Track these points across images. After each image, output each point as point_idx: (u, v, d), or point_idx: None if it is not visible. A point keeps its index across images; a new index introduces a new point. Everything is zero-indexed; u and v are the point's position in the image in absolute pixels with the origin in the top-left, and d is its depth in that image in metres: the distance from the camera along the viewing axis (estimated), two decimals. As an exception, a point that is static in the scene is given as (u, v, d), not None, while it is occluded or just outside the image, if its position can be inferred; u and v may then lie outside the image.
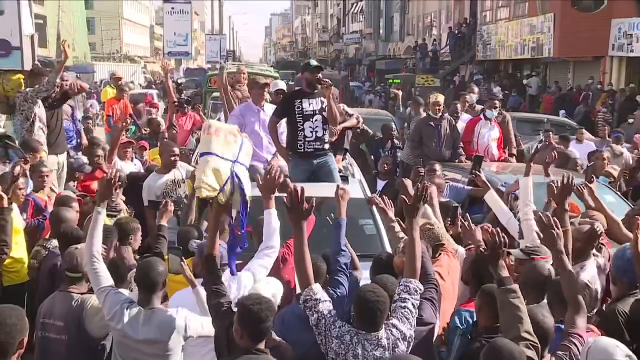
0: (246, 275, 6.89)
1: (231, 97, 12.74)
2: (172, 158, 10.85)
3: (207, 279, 6.41)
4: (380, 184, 13.89)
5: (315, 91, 10.74)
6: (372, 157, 16.27)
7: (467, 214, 11.39)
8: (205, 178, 6.50)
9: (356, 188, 10.16)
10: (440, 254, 7.91)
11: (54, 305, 7.04)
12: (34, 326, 6.83)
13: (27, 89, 12.59)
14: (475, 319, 6.69)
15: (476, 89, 20.33)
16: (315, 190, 8.35)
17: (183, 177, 10.87)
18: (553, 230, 6.24)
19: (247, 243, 6.99)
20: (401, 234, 7.65)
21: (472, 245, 8.10)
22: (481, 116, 15.38)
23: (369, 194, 10.65)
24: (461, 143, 15.05)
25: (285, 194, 6.44)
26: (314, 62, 11.42)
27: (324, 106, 10.69)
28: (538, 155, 11.88)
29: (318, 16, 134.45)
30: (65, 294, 7.06)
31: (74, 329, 6.88)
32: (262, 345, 5.57)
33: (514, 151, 15.60)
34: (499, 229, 6.44)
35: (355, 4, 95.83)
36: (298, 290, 6.59)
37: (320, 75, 10.76)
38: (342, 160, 12.25)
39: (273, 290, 6.41)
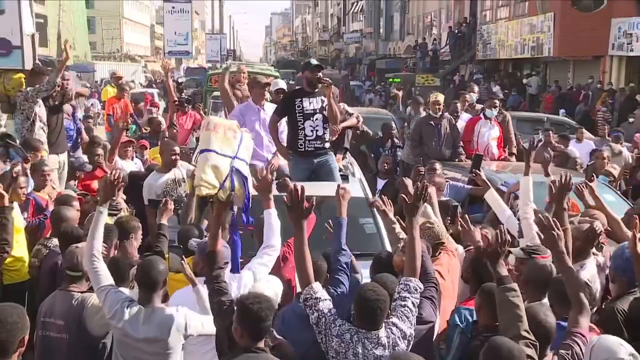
0: (247, 274, 6.92)
1: (231, 97, 12.74)
2: (173, 157, 10.87)
3: (209, 277, 6.40)
4: (380, 183, 13.89)
5: (316, 90, 10.75)
6: (373, 156, 16.26)
7: (467, 214, 11.50)
8: (204, 176, 6.50)
9: (356, 187, 10.17)
10: (440, 252, 7.92)
11: (55, 304, 7.05)
12: (35, 325, 6.83)
13: (28, 89, 12.61)
14: (474, 317, 6.71)
15: (476, 88, 20.35)
16: (315, 189, 8.37)
17: (184, 176, 10.88)
18: (553, 232, 6.25)
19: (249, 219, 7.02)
20: (402, 235, 7.65)
21: (472, 247, 8.11)
22: (481, 115, 15.39)
23: (369, 193, 10.68)
24: (461, 142, 15.06)
25: (285, 193, 6.45)
26: (314, 61, 11.44)
27: (324, 105, 10.71)
28: (537, 154, 11.88)
29: (318, 15, 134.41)
30: (65, 292, 7.07)
31: (75, 328, 6.88)
32: (261, 344, 5.57)
33: (514, 150, 15.60)
34: (502, 227, 6.45)
35: (355, 4, 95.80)
36: (298, 289, 6.59)
37: (320, 74, 10.77)
38: (342, 159, 12.27)
39: (274, 290, 6.42)
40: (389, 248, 8.43)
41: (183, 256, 7.45)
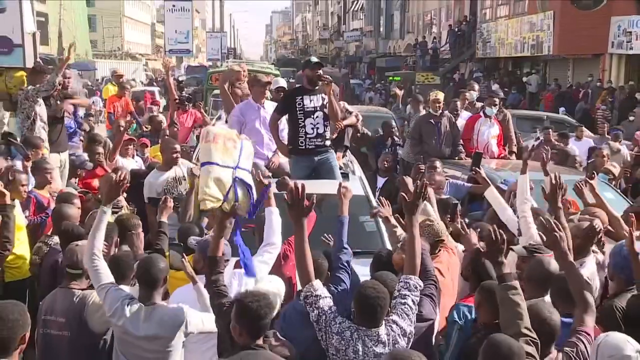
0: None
1: (230, 98, 12.75)
2: (174, 155, 10.86)
3: (209, 280, 6.43)
4: (381, 181, 13.91)
5: (316, 88, 10.76)
6: (373, 153, 16.25)
7: (467, 212, 11.51)
8: (208, 190, 6.51)
9: (356, 185, 10.18)
10: (440, 250, 7.94)
11: (56, 302, 7.04)
12: (36, 322, 6.84)
13: (29, 87, 12.61)
14: (473, 314, 6.73)
15: (476, 87, 20.32)
16: (316, 187, 8.38)
17: (184, 174, 10.88)
18: (556, 233, 6.28)
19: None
20: (403, 236, 7.66)
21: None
22: (481, 113, 15.39)
23: (370, 191, 10.69)
24: (461, 140, 15.07)
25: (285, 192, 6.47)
26: (314, 59, 11.46)
27: (324, 103, 10.72)
28: (536, 153, 11.90)
29: (319, 14, 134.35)
30: (66, 290, 7.07)
31: (76, 325, 6.88)
32: (260, 342, 5.59)
33: (514, 149, 15.60)
34: (495, 227, 6.47)
35: (355, 2, 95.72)
36: (299, 287, 6.61)
37: (321, 71, 10.79)
38: (343, 157, 12.27)
39: (276, 289, 6.44)
40: (389, 246, 8.45)
41: (183, 254, 7.48)
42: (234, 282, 6.90)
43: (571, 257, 6.32)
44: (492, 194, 9.59)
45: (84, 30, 68.11)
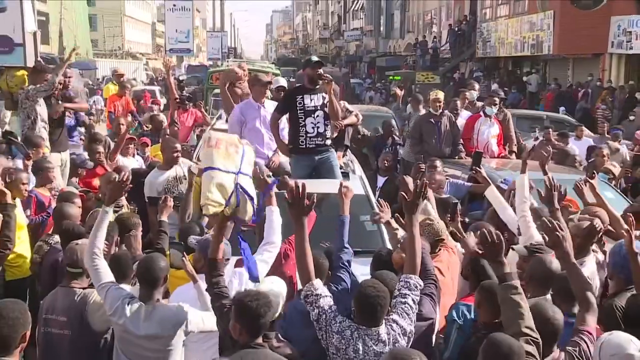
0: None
1: (229, 99, 12.76)
2: (174, 154, 10.85)
3: (209, 282, 6.43)
4: (381, 180, 13.91)
5: (317, 87, 10.77)
6: (374, 152, 16.26)
7: (467, 211, 11.52)
8: (210, 195, 6.52)
9: (357, 184, 10.16)
10: (440, 249, 7.95)
11: (57, 301, 7.07)
12: (36, 321, 6.85)
13: (29, 87, 12.63)
14: (472, 312, 6.75)
15: (477, 86, 20.30)
16: (316, 186, 8.39)
17: (184, 173, 10.89)
18: (558, 233, 6.29)
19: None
20: (403, 235, 7.67)
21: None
22: (481, 113, 15.39)
23: (370, 191, 10.70)
24: (461, 140, 15.07)
25: (285, 191, 6.48)
26: (315, 58, 11.47)
27: (325, 102, 10.72)
28: (535, 153, 11.91)
29: (319, 13, 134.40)
30: (67, 289, 7.09)
31: (77, 324, 6.90)
32: (260, 340, 5.62)
33: (515, 148, 15.60)
34: (491, 228, 6.48)
35: (356, 2, 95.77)
36: (300, 286, 6.62)
37: (321, 70, 10.80)
38: (343, 156, 12.28)
39: (278, 291, 6.45)
40: (389, 245, 8.46)
41: (184, 253, 7.49)
42: (235, 281, 6.91)
43: (573, 257, 6.34)
44: (492, 193, 9.60)
45: (84, 29, 68.11)
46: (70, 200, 9.27)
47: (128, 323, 6.50)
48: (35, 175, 10.47)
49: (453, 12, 58.08)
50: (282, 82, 13.96)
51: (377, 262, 7.45)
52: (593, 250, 7.96)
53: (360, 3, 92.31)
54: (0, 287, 8.85)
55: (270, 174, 9.89)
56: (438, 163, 12.21)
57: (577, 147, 17.38)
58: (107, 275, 6.77)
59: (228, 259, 6.94)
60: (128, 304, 6.54)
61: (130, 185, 7.43)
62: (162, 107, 27.79)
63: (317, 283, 6.28)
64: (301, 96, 10.75)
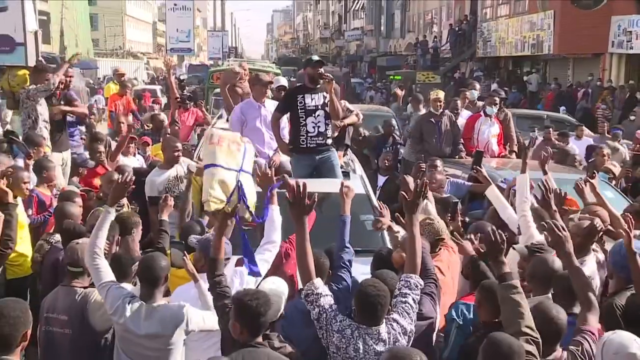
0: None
1: (229, 99, 12.79)
2: (175, 153, 10.85)
3: (211, 282, 6.43)
4: (381, 180, 13.93)
5: (318, 86, 10.78)
6: (374, 152, 16.27)
7: (467, 211, 11.53)
8: (212, 191, 6.55)
9: (357, 184, 10.16)
10: (440, 248, 7.97)
11: (58, 300, 7.08)
12: (37, 319, 6.86)
13: (30, 87, 12.64)
14: (472, 311, 6.76)
15: (478, 86, 20.32)
16: (316, 185, 8.40)
17: (185, 172, 10.89)
18: (560, 233, 6.31)
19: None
20: (403, 234, 7.67)
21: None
22: (481, 113, 15.40)
23: (370, 190, 10.70)
24: (461, 139, 15.08)
25: (287, 190, 6.49)
26: (315, 57, 11.48)
27: (326, 101, 10.72)
28: (535, 152, 11.93)
29: (320, 13, 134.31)
30: (68, 288, 7.11)
31: (78, 323, 6.91)
32: (260, 339, 5.64)
33: (515, 148, 15.61)
34: (494, 227, 6.49)
35: (356, 1, 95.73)
36: (300, 286, 6.64)
37: (322, 69, 10.81)
38: (344, 156, 12.28)
39: (279, 291, 6.46)
40: (389, 245, 8.47)
41: (185, 252, 7.50)
42: (236, 281, 6.90)
43: (575, 258, 6.36)
44: (493, 193, 9.60)
45: (85, 28, 68.08)
46: (71, 199, 9.27)
47: (129, 322, 6.51)
48: (37, 174, 10.47)
49: (453, 11, 58.08)
50: (283, 81, 13.98)
51: (377, 261, 7.46)
52: (593, 250, 7.96)
53: (361, 3, 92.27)
54: (2, 286, 8.85)
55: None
56: (439, 162, 12.23)
57: (578, 146, 17.39)
58: (108, 275, 6.78)
59: (228, 259, 6.95)
60: (129, 303, 6.54)
61: (133, 187, 7.44)
62: (162, 106, 27.82)
63: (318, 282, 6.29)
64: (302, 95, 10.75)
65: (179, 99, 15.71)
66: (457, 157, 14.71)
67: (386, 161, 14.15)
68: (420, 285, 6.42)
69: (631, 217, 7.32)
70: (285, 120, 11.13)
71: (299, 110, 10.69)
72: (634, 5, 32.29)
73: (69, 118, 13.85)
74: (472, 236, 7.79)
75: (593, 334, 5.88)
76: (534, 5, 39.43)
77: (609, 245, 8.21)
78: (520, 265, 7.44)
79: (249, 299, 5.58)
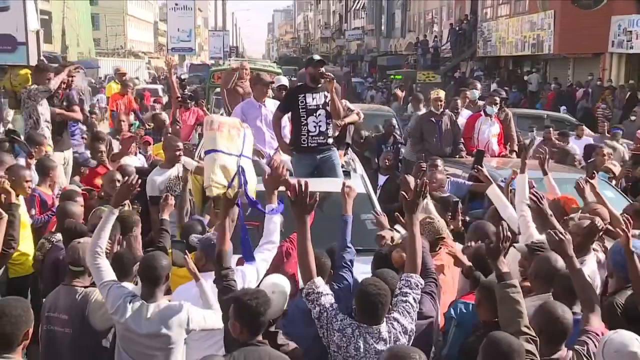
0: (250, 270, 6.95)
1: (229, 99, 12.83)
2: (176, 153, 10.86)
3: (218, 275, 6.46)
4: (382, 179, 13.94)
5: (319, 86, 10.79)
6: (375, 151, 16.29)
7: (468, 210, 11.54)
8: (214, 176, 6.57)
9: (358, 183, 10.17)
10: (440, 248, 7.99)
11: (59, 299, 7.09)
12: (39, 318, 6.88)
13: (31, 87, 12.65)
14: (470, 309, 6.78)
15: (479, 85, 20.31)
16: (317, 185, 8.42)
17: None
18: (562, 237, 6.33)
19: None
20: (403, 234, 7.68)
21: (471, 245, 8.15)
22: (482, 112, 15.40)
23: (371, 189, 10.71)
24: (462, 139, 15.09)
25: (289, 189, 6.51)
26: (317, 57, 11.50)
27: (327, 101, 10.73)
28: (534, 152, 11.94)
29: (320, 13, 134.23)
30: (69, 287, 7.11)
31: (78, 322, 6.92)
32: (260, 338, 5.65)
33: (516, 148, 15.62)
34: (503, 223, 6.50)
35: (357, 1, 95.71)
36: (302, 285, 6.65)
37: (323, 69, 10.82)
38: (344, 155, 12.30)
39: (283, 287, 6.48)
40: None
41: (186, 251, 7.51)
42: (237, 280, 6.93)
43: (576, 261, 6.38)
44: (494, 192, 9.59)
45: (87, 28, 67.96)
46: (72, 198, 9.29)
47: (130, 321, 6.51)
48: (39, 173, 10.49)
49: (454, 11, 58.09)
50: (284, 81, 14.00)
51: (377, 260, 7.47)
52: (594, 249, 7.97)
53: (362, 2, 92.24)
54: (3, 285, 8.88)
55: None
56: (439, 162, 12.24)
57: (578, 146, 17.42)
58: (109, 274, 6.78)
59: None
60: (130, 303, 6.54)
61: (138, 189, 7.46)
62: (163, 106, 27.83)
63: (319, 281, 6.30)
64: (303, 95, 10.77)
65: (180, 99, 15.73)
66: (457, 156, 14.71)
67: (386, 160, 14.15)
68: (421, 284, 6.44)
69: (630, 217, 7.33)
70: (285, 120, 11.15)
71: (300, 110, 10.70)
72: (634, 5, 32.32)
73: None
74: (472, 243, 7.82)
75: (597, 335, 5.88)
76: (534, 5, 39.45)
77: (609, 245, 8.23)
78: (521, 263, 7.45)
79: (249, 298, 5.59)
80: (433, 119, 14.94)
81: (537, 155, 11.07)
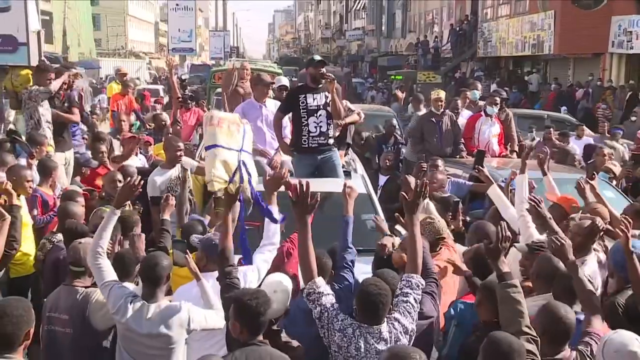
0: (251, 271, 6.97)
1: (226, 101, 12.85)
2: (177, 153, 10.85)
3: (221, 273, 6.47)
4: (382, 180, 13.94)
5: (319, 86, 10.80)
6: (375, 151, 16.30)
7: (468, 210, 11.54)
8: (215, 171, 6.60)
9: (358, 183, 10.16)
10: (440, 248, 8.00)
11: (60, 299, 7.10)
12: (40, 318, 6.89)
13: (32, 88, 12.66)
14: (469, 309, 6.79)
15: (479, 85, 20.31)
16: (318, 185, 8.43)
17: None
18: (562, 242, 6.35)
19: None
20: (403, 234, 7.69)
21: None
22: (482, 112, 15.40)
23: (372, 189, 10.71)
24: (462, 139, 15.09)
25: (290, 189, 6.51)
26: (317, 57, 11.52)
27: (328, 101, 10.74)
28: (535, 152, 11.95)
29: (321, 13, 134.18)
30: (70, 287, 7.12)
31: (79, 323, 6.93)
32: (260, 337, 5.66)
33: (516, 148, 15.62)
34: (502, 224, 6.51)
35: (357, 1, 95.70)
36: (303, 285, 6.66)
37: (324, 69, 10.83)
38: (345, 155, 12.31)
39: (286, 284, 6.49)
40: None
41: (187, 251, 7.52)
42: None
43: (577, 266, 6.40)
44: (494, 192, 9.60)
45: (88, 28, 67.96)
46: (73, 199, 9.30)
47: (131, 321, 6.53)
48: (40, 174, 10.50)
49: (454, 12, 58.10)
50: (285, 81, 14.01)
51: (378, 260, 7.49)
52: (594, 249, 7.98)
53: (362, 3, 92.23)
54: (4, 285, 8.88)
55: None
56: (440, 162, 12.25)
57: (578, 146, 17.43)
58: (110, 274, 6.79)
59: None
60: (131, 303, 6.56)
61: (140, 190, 7.47)
62: (164, 106, 27.85)
63: (320, 281, 6.31)
64: (304, 95, 10.78)
65: (180, 99, 15.73)
66: (457, 156, 14.71)
67: (387, 161, 14.16)
68: (422, 285, 6.45)
69: (630, 217, 7.34)
70: (286, 120, 11.16)
71: (301, 110, 10.71)
72: (634, 5, 32.33)
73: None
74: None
75: (600, 336, 5.88)
76: (535, 5, 39.46)
77: (610, 245, 8.23)
78: (522, 263, 7.47)
79: (249, 298, 5.60)
80: (433, 119, 14.94)
81: (537, 155, 11.07)
